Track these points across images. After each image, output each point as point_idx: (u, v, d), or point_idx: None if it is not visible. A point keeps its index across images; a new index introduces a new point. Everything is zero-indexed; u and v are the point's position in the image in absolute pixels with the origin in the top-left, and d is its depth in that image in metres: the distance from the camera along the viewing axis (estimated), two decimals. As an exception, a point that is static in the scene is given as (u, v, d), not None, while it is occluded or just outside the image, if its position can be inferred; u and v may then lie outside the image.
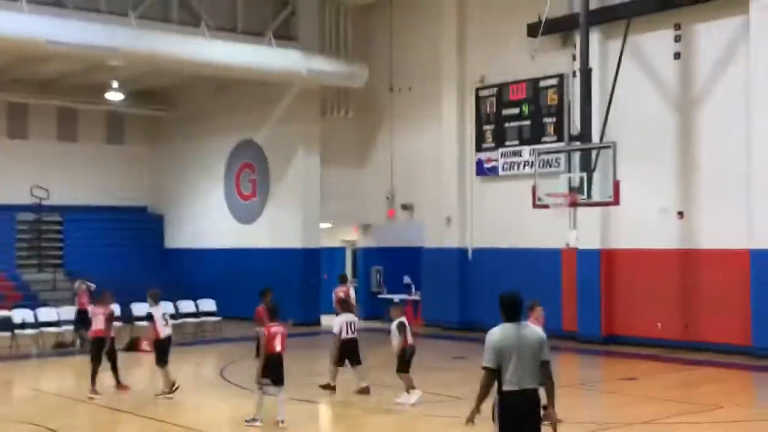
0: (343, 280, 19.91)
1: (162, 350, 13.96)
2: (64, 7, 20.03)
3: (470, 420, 7.25)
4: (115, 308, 15.83)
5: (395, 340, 13.36)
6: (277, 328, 11.75)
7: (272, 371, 11.61)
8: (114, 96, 25.29)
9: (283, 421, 11.61)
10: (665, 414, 12.53)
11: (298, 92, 24.62)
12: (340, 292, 17.95)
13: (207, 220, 27.91)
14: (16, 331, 19.99)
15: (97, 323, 14.29)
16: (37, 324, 20.52)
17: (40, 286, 25.51)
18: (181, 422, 12.32)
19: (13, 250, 26.58)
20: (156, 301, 14.31)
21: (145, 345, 18.22)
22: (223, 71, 22.84)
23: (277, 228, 25.67)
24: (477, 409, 7.18)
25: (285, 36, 23.89)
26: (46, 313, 20.92)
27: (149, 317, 14.28)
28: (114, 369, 14.59)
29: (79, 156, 28.29)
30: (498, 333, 7.16)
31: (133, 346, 19.25)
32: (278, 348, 11.63)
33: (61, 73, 25.06)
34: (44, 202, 26.90)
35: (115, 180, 28.87)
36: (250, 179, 26.54)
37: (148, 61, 21.91)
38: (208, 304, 23.31)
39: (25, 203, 26.79)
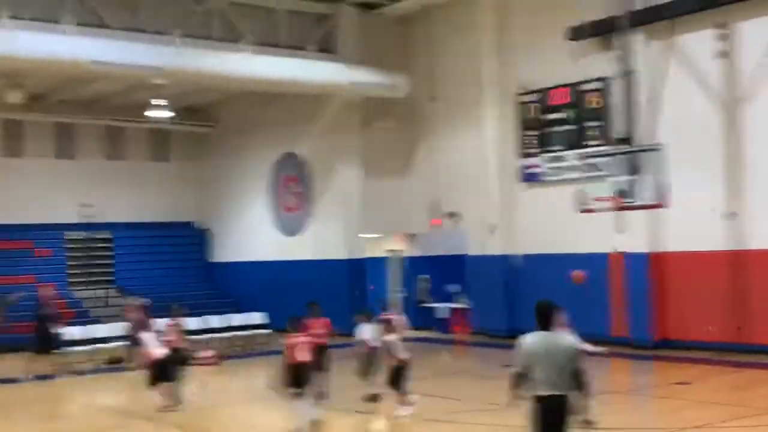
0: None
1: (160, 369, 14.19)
2: (108, 28, 20.33)
3: (511, 404, 7.53)
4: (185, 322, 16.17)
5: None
6: (298, 338, 11.89)
7: (295, 381, 11.67)
8: (158, 114, 25.64)
9: (318, 420, 11.76)
10: (719, 418, 12.37)
11: (340, 104, 24.75)
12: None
13: (251, 234, 28.14)
14: (69, 348, 20.28)
15: (169, 335, 14.85)
16: (90, 341, 20.78)
17: (92, 303, 25.95)
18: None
19: (64, 268, 27.07)
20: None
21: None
22: (266, 86, 23.05)
23: (321, 239, 25.79)
24: (515, 396, 7.49)
25: (326, 49, 24.03)
26: (98, 330, 21.18)
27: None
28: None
29: (126, 174, 28.72)
30: (529, 339, 7.50)
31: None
32: (301, 358, 11.75)
33: (106, 92, 25.48)
34: (93, 220, 27.37)
35: (161, 196, 29.25)
36: (294, 192, 26.70)
37: (192, 79, 22.20)
38: (258, 317, 23.49)
39: (73, 222, 27.26)
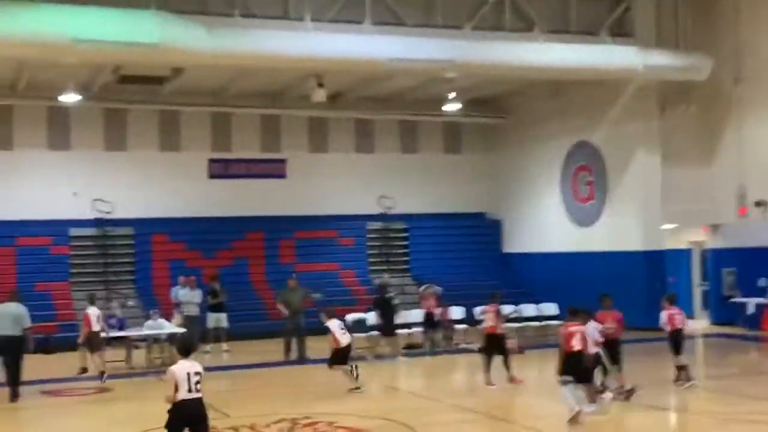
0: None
1: (342, 357, 15.56)
2: (403, 26, 21.00)
3: None
4: (505, 308, 17.25)
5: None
6: (574, 328, 12.17)
7: (571, 369, 11.93)
8: (451, 107, 26.17)
9: (579, 411, 11.78)
10: None
11: (635, 89, 23.85)
12: None
13: (544, 224, 27.92)
14: (371, 333, 21.26)
15: (488, 321, 15.68)
16: (376, 327, 21.55)
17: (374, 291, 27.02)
18: (528, 424, 12.39)
19: (365, 257, 28.47)
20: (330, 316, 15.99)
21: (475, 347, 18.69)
22: (558, 74, 22.71)
23: (616, 230, 25.02)
24: None
25: (619, 33, 23.22)
26: (378, 317, 21.88)
27: (326, 329, 15.85)
28: (506, 363, 15.53)
29: (420, 166, 29.59)
30: None
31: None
32: (576, 347, 11.98)
33: (402, 88, 26.37)
34: (390, 211, 28.53)
35: (454, 187, 29.81)
36: (588, 181, 26.13)
37: (483, 71, 22.35)
38: (550, 308, 23.31)
39: (373, 213, 28.57)
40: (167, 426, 9.22)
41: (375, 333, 20.73)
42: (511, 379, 15.39)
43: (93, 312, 17.33)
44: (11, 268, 24.28)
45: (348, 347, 15.84)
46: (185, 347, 9.64)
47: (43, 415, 14.76)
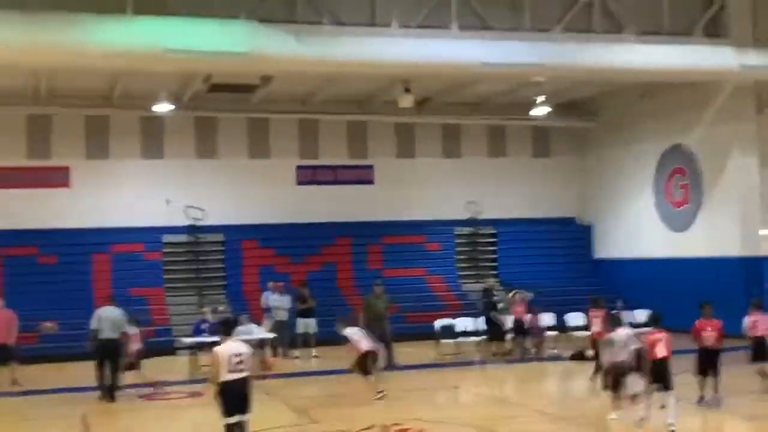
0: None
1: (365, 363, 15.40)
2: (491, 29, 20.80)
3: None
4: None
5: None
6: (657, 335, 12.10)
7: (657, 377, 11.87)
8: (539, 111, 25.83)
9: (672, 424, 11.67)
10: None
11: (731, 90, 23.12)
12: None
13: (637, 229, 27.30)
14: (459, 339, 21.13)
15: (596, 326, 15.71)
16: (478, 332, 21.45)
17: (478, 296, 26.82)
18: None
19: (453, 262, 28.33)
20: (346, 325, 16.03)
21: (588, 353, 18.36)
22: (649, 75, 22.19)
23: (712, 235, 24.29)
24: None
25: (714, 32, 22.57)
26: (484, 322, 21.74)
27: (345, 338, 15.81)
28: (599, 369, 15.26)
29: (508, 171, 29.29)
30: None
31: (581, 355, 19.27)
32: (660, 354, 11.90)
33: (489, 92, 26.15)
34: (478, 216, 28.33)
35: (543, 192, 29.42)
36: (682, 185, 25.45)
37: (573, 74, 22.02)
38: (643, 315, 22.68)
39: (461, 218, 28.39)
40: (222, 411, 9.57)
41: (476, 339, 20.83)
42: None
43: (133, 331, 17.39)
44: (107, 275, 24.92)
45: (372, 352, 15.66)
46: (227, 327, 10.11)
47: (145, 417, 15.11)
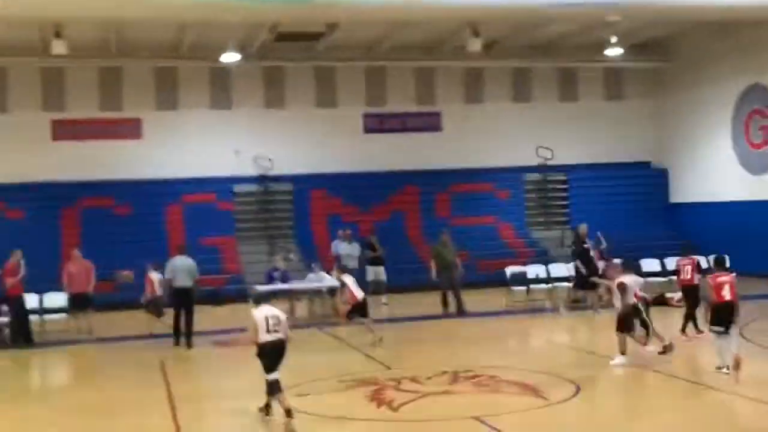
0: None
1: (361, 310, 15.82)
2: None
3: None
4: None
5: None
6: (723, 278, 11.93)
7: (720, 319, 11.76)
8: (612, 52, 25.09)
9: (727, 368, 11.61)
10: None
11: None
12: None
13: (714, 173, 26.53)
14: (531, 286, 20.91)
15: (686, 273, 15.38)
16: (549, 279, 21.20)
17: (549, 243, 26.54)
18: (693, 378, 11.84)
19: (523, 210, 28.01)
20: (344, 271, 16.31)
21: (675, 300, 18.02)
22: (728, 13, 21.28)
23: (794, 178, 23.53)
24: None
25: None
26: (557, 269, 21.49)
27: (342, 285, 16.04)
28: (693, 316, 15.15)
29: (580, 115, 28.66)
30: None
31: (662, 300, 18.91)
32: (726, 297, 11.75)
33: (560, 34, 25.52)
34: (549, 162, 27.84)
35: (616, 136, 28.74)
36: (761, 126, 24.60)
37: (648, 12, 21.28)
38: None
39: (531, 164, 27.94)
40: (263, 367, 10.24)
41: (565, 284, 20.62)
42: (700, 332, 14.77)
43: (156, 276, 17.88)
44: (179, 224, 25.29)
45: (364, 301, 16.08)
46: (257, 299, 10.76)
47: (220, 363, 15.36)
